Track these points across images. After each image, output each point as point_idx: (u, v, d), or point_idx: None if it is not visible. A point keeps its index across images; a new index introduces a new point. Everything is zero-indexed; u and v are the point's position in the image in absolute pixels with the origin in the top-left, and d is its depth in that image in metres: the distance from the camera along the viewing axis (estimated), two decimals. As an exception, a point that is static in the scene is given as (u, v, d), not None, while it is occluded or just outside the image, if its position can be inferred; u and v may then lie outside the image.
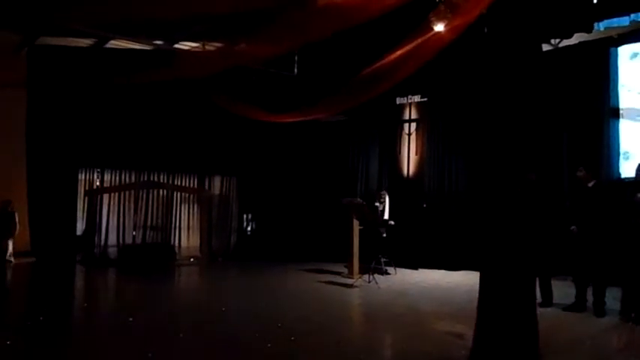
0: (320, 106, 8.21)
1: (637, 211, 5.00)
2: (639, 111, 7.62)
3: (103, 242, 9.57)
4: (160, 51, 8.25)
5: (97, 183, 9.92)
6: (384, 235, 8.40)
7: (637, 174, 5.12)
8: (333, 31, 6.08)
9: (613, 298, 5.40)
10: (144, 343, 4.19)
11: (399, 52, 6.47)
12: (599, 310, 5.31)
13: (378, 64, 6.81)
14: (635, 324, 4.75)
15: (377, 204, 8.67)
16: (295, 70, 9.14)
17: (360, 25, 5.71)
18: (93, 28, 7.65)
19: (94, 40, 8.50)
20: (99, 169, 9.84)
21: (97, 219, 9.54)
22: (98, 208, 9.58)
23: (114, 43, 8.45)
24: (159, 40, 8.22)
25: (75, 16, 6.95)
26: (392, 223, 8.47)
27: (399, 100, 9.90)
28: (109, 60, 8.47)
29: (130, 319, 4.93)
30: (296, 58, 9.08)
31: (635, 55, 7.72)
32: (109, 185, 9.88)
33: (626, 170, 7.40)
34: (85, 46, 8.67)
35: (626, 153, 7.69)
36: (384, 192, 8.89)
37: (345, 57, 8.31)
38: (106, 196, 9.73)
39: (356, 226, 7.93)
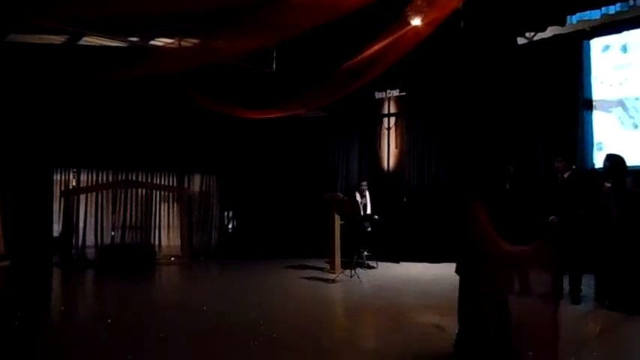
0: (299, 102, 8.18)
1: (606, 200, 5.13)
2: (611, 102, 7.80)
3: (80, 243, 9.37)
4: (135, 47, 8.10)
5: (74, 183, 9.71)
6: (369, 229, 8.44)
7: (604, 164, 5.26)
8: (310, 27, 6.05)
9: (588, 285, 5.54)
10: (123, 345, 4.13)
11: (376, 47, 6.49)
12: (575, 297, 5.44)
13: (356, 59, 6.82)
14: (609, 310, 4.87)
15: (359, 198, 8.70)
16: (274, 66, 9.07)
17: (338, 20, 5.70)
18: (66, 25, 7.46)
19: (66, 37, 8.30)
20: (75, 169, 9.63)
21: (74, 220, 9.34)
22: (75, 208, 9.38)
23: (87, 40, 8.27)
24: (134, 36, 8.07)
25: (47, 14, 6.77)
26: (376, 217, 8.52)
27: (377, 95, 9.94)
28: (83, 57, 8.28)
29: (109, 320, 4.85)
30: (274, 54, 9.01)
31: (606, 47, 7.88)
32: (85, 185, 9.68)
33: (600, 160, 7.55)
34: (57, 43, 8.46)
35: (599, 144, 7.87)
36: (364, 183, 8.91)
37: (323, 52, 8.30)
38: (82, 197, 9.53)
39: (337, 221, 7.94)
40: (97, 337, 4.41)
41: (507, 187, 5.86)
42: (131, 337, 4.39)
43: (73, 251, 9.25)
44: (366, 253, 8.38)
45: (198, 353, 4.01)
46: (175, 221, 10.33)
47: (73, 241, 9.31)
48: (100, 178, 9.75)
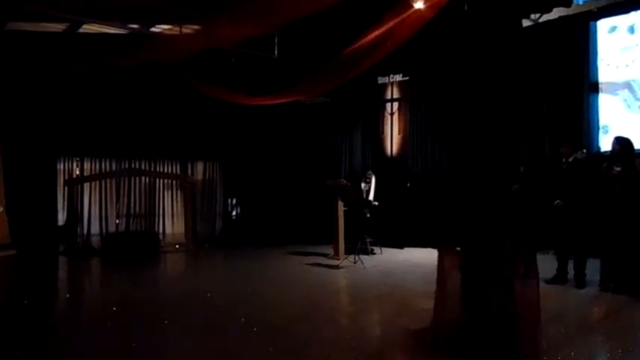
0: (301, 88, 8.12)
1: (613, 184, 5.08)
2: (617, 85, 7.69)
3: (85, 232, 9.43)
4: (136, 35, 8.03)
5: (77, 172, 9.73)
6: (368, 215, 8.42)
7: (613, 147, 5.19)
8: (311, 12, 5.98)
9: (593, 269, 5.52)
10: (128, 332, 4.16)
11: (379, 31, 6.41)
12: (580, 281, 5.43)
13: (358, 44, 6.74)
14: (614, 293, 4.86)
15: (363, 185, 8.68)
16: (276, 52, 8.99)
17: (340, 4, 5.62)
18: (65, 12, 7.40)
19: (66, 24, 8.24)
20: (78, 158, 9.64)
21: (79, 208, 9.38)
22: (79, 197, 9.41)
23: (87, 28, 8.21)
24: (134, 23, 8.00)
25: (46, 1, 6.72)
26: (376, 203, 8.49)
27: (380, 80, 9.84)
28: (83, 45, 8.23)
29: (114, 308, 4.88)
30: (276, 40, 8.93)
31: (613, 28, 7.75)
32: (89, 174, 9.70)
33: (605, 144, 7.49)
34: (57, 30, 8.40)
35: (605, 127, 7.79)
36: (370, 172, 8.87)
37: (325, 37, 8.20)
38: (86, 185, 9.55)
39: (340, 207, 7.93)
40: (102, 324, 4.44)
41: (522, 170, 5.85)
42: (136, 325, 4.42)
43: (78, 240, 9.31)
44: (369, 239, 8.38)
45: (202, 340, 4.04)
46: (179, 209, 10.35)
47: (78, 229, 9.36)
48: (103, 166, 9.77)
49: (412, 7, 5.93)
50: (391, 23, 6.25)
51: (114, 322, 4.50)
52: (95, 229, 9.51)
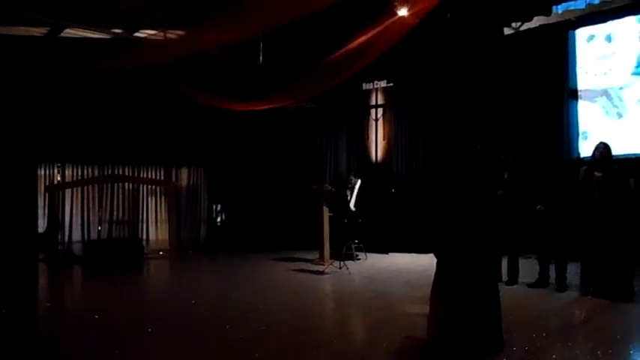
0: (286, 94, 8.15)
1: (592, 189, 5.18)
2: (596, 92, 7.88)
3: (67, 239, 9.28)
4: (119, 39, 7.96)
5: (58, 178, 9.58)
6: (345, 221, 8.43)
7: (598, 153, 5.27)
8: (297, 16, 6.00)
9: (574, 273, 5.61)
10: (110, 341, 4.09)
11: (363, 37, 6.47)
12: (561, 285, 5.52)
13: (343, 50, 6.80)
14: (594, 297, 4.94)
15: (348, 191, 8.69)
16: (260, 58, 9.00)
17: (324, 10, 5.66)
18: (48, 16, 7.31)
19: (48, 28, 8.13)
20: (59, 164, 9.50)
21: (60, 215, 9.23)
22: (60, 204, 9.26)
23: (70, 32, 8.11)
24: (117, 28, 7.93)
25: (26, 4, 6.62)
26: (353, 209, 8.50)
27: (365, 86, 9.91)
28: (65, 49, 8.13)
29: (96, 316, 4.81)
30: (261, 45, 8.93)
31: (591, 37, 7.94)
32: (71, 180, 9.56)
33: (585, 150, 7.65)
34: (38, 35, 8.29)
35: (584, 133, 7.95)
36: (352, 177, 8.88)
37: (310, 43, 8.24)
38: (68, 192, 9.41)
39: (325, 212, 7.94)
40: (83, 332, 4.37)
41: (506, 176, 5.94)
42: (119, 333, 4.36)
43: (59, 247, 9.15)
44: (354, 245, 8.40)
45: (187, 347, 4.00)
46: (163, 215, 10.25)
47: (59, 236, 9.20)
48: (85, 172, 9.64)
49: (396, 14, 6.00)
50: (376, 30, 6.31)
51: (96, 330, 4.44)
52: (77, 236, 9.37)
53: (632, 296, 5.05)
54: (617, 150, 6.33)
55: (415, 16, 5.97)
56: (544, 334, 3.98)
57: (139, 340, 4.16)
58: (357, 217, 8.51)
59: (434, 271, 3.82)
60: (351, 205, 8.54)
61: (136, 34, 8.07)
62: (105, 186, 9.68)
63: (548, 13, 7.69)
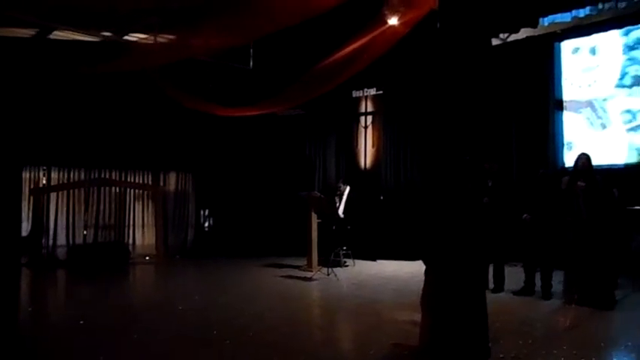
0: (276, 100, 8.15)
1: (576, 198, 5.27)
2: (581, 103, 8.03)
3: (51, 243, 9.14)
4: (108, 42, 7.92)
5: (44, 181, 9.45)
6: (334, 228, 8.44)
7: (580, 163, 5.37)
8: (288, 24, 6.03)
9: (559, 281, 5.69)
10: (95, 346, 4.04)
11: (354, 45, 6.52)
12: (546, 293, 5.59)
13: (333, 57, 6.83)
14: (578, 305, 5.02)
15: (336, 196, 8.70)
16: (251, 64, 9.01)
17: (315, 18, 5.70)
18: (37, 17, 7.25)
19: (36, 30, 8.06)
20: (45, 167, 9.37)
21: (44, 219, 9.10)
22: (45, 207, 9.13)
23: (58, 34, 8.05)
24: (107, 31, 7.89)
25: (14, 4, 6.56)
26: (342, 216, 8.52)
27: (355, 94, 9.98)
28: (53, 51, 8.05)
29: (81, 321, 4.74)
30: (251, 51, 8.95)
31: (576, 49, 8.11)
32: (56, 184, 9.43)
33: (570, 160, 7.77)
34: (25, 36, 8.20)
35: (569, 143, 8.09)
36: (341, 184, 8.88)
37: (301, 50, 8.28)
38: (53, 195, 9.28)
39: (314, 219, 7.95)
40: (67, 338, 4.31)
41: (490, 184, 6.01)
42: (103, 339, 4.30)
43: (43, 251, 9.00)
44: (343, 252, 8.41)
45: (173, 353, 3.96)
46: (150, 220, 10.16)
47: (43, 240, 9.06)
48: (71, 176, 9.52)
49: (387, 23, 6.06)
50: (366, 38, 6.37)
51: (80, 336, 4.38)
52: (61, 240, 9.23)
53: (614, 304, 5.14)
54: (600, 160, 6.48)
55: (405, 25, 6.04)
56: (530, 341, 4.03)
57: (124, 346, 4.11)
58: (346, 224, 8.53)
59: (422, 278, 3.85)
60: (340, 212, 8.56)
61: (126, 38, 8.04)
62: (91, 190, 9.57)
63: (534, 25, 7.84)
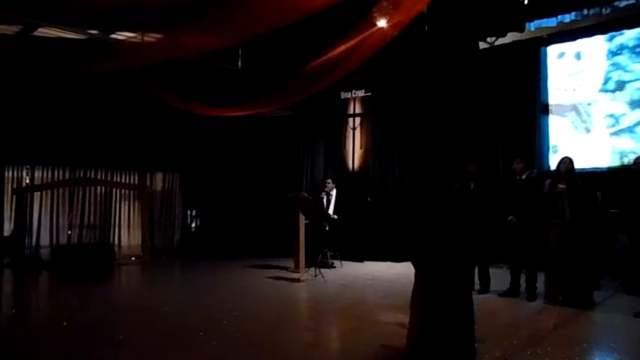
0: (264, 101, 8.13)
1: (559, 200, 5.35)
2: (566, 107, 8.15)
3: (34, 243, 8.99)
4: (95, 40, 7.83)
5: (27, 180, 9.30)
6: (327, 228, 8.47)
7: (564, 166, 5.45)
8: (277, 25, 6.03)
9: (544, 283, 5.75)
10: (78, 349, 3.98)
11: (343, 47, 6.53)
12: (531, 294, 5.65)
13: (322, 59, 6.84)
14: (562, 306, 5.08)
15: (322, 195, 8.71)
16: (239, 64, 8.98)
17: (305, 19, 5.70)
18: (20, 14, 7.13)
19: (20, 27, 7.94)
20: (28, 166, 9.22)
21: (28, 219, 8.95)
22: (28, 207, 8.98)
23: (43, 32, 7.93)
24: (94, 29, 7.80)
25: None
26: (335, 217, 8.55)
27: (343, 95, 10.00)
28: (38, 49, 7.94)
29: (64, 323, 4.67)
30: (240, 51, 8.93)
31: (561, 54, 8.23)
32: (40, 183, 9.29)
33: (555, 163, 7.87)
34: (9, 33, 8.07)
35: (554, 147, 8.20)
36: (330, 182, 8.87)
37: (289, 51, 8.28)
38: (37, 195, 9.13)
39: (302, 220, 7.94)
40: (50, 341, 4.24)
41: (472, 186, 6.05)
42: (87, 340, 4.25)
43: (25, 251, 8.85)
44: (330, 253, 8.42)
45: (159, 355, 3.92)
46: (136, 220, 10.05)
47: (26, 240, 8.91)
48: (56, 175, 9.38)
49: (375, 25, 6.09)
50: (354, 40, 6.39)
51: (63, 338, 4.31)
52: (45, 240, 9.08)
53: (593, 305, 5.23)
54: (584, 164, 6.58)
55: (394, 28, 6.07)
56: (515, 342, 4.07)
57: (109, 348, 4.06)
58: (339, 225, 8.55)
59: (409, 279, 3.87)
60: (330, 211, 8.58)
61: (113, 36, 7.97)
62: (76, 189, 9.44)
63: (521, 29, 7.93)
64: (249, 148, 10.56)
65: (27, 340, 4.37)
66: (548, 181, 5.53)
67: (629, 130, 7.46)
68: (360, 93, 9.87)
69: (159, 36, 7.57)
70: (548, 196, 5.50)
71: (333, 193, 8.79)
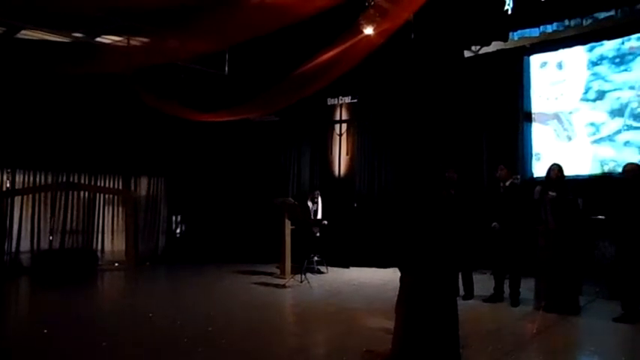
0: (251, 106, 8.13)
1: (546, 208, 5.42)
2: (548, 116, 8.30)
3: (14, 249, 8.81)
4: (80, 44, 7.74)
5: (7, 185, 9.12)
6: (318, 234, 8.49)
7: (553, 174, 5.51)
8: (265, 31, 6.05)
9: (527, 288, 5.83)
10: (60, 356, 3.91)
11: (329, 54, 6.57)
12: (515, 300, 5.72)
13: (309, 65, 6.87)
14: (545, 311, 5.15)
15: (310, 203, 8.74)
16: (226, 69, 8.96)
17: (292, 25, 5.73)
18: (3, 16, 7.03)
19: (2, 29, 7.81)
20: (9, 170, 9.03)
21: (7, 223, 8.77)
22: (8, 211, 8.80)
23: (26, 34, 7.82)
24: (78, 32, 7.72)
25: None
26: (325, 222, 8.58)
27: (330, 101, 10.04)
28: (21, 51, 7.82)
29: (45, 330, 4.59)
30: (227, 57, 8.91)
31: (544, 64, 8.39)
32: (21, 187, 9.11)
33: (538, 170, 8.02)
34: (-9, 35, 7.94)
35: (537, 154, 8.34)
36: (317, 192, 8.99)
37: (276, 57, 8.30)
38: (17, 199, 8.96)
39: (288, 226, 7.93)
40: (31, 348, 4.16)
41: (452, 193, 6.09)
42: (70, 348, 4.17)
43: (5, 257, 8.66)
44: (316, 258, 8.42)
45: (144, 362, 3.88)
46: (120, 225, 9.93)
47: (6, 246, 8.72)
48: (37, 179, 9.22)
49: (362, 33, 6.14)
50: (341, 47, 6.43)
51: (44, 345, 4.23)
52: (25, 245, 8.90)
53: (579, 310, 5.30)
54: (566, 171, 6.66)
55: (380, 35, 6.13)
56: (499, 347, 4.12)
57: (91, 355, 3.99)
58: (325, 231, 8.57)
59: (394, 285, 3.88)
60: (319, 217, 8.60)
61: (98, 40, 7.89)
62: (58, 194, 9.29)
63: (505, 38, 8.08)
64: (235, 153, 10.52)
65: (4, 349, 4.28)
66: (538, 188, 5.57)
67: (609, 138, 7.62)
68: (347, 99, 9.92)
69: (145, 40, 7.52)
70: (533, 203, 5.56)
71: (319, 199, 8.82)
